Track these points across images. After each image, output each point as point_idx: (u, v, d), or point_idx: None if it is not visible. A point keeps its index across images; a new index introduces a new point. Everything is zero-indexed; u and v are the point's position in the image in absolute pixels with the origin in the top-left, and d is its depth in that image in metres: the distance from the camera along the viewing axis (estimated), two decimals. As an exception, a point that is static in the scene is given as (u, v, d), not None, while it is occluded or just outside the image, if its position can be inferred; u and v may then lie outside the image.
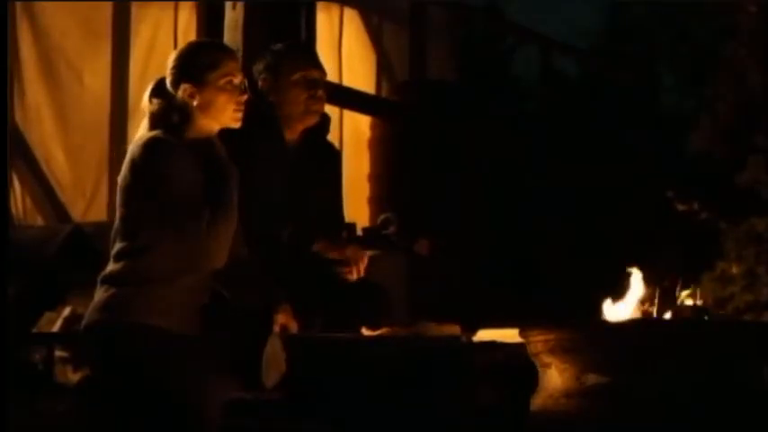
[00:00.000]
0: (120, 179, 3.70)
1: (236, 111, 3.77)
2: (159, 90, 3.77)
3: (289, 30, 6.05)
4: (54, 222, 6.27)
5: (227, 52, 3.85)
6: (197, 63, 3.75)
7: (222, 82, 3.74)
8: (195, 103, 3.72)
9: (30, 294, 5.40)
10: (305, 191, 4.51)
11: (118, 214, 3.70)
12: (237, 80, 3.78)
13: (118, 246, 3.68)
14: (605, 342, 3.83)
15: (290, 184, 4.47)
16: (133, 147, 3.69)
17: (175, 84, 3.74)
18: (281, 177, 4.43)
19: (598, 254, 7.67)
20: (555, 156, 8.70)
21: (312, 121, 4.52)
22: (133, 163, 3.65)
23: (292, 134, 4.53)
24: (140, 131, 3.77)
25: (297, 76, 4.49)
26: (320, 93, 4.51)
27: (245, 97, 3.79)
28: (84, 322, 3.69)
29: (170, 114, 3.73)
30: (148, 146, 3.64)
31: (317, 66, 4.58)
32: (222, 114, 3.75)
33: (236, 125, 3.80)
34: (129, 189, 3.65)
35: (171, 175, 3.60)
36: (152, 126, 3.74)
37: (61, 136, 6.47)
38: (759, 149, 8.77)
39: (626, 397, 3.74)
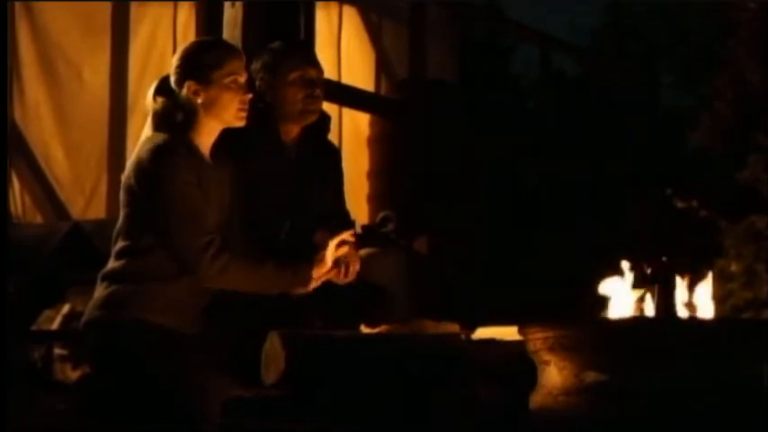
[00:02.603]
0: (124, 178, 3.69)
1: (240, 110, 3.77)
2: (163, 88, 3.77)
3: (288, 28, 6.04)
4: (53, 220, 6.26)
5: (233, 51, 3.85)
6: (202, 61, 3.75)
7: (227, 81, 3.74)
8: (199, 101, 3.72)
9: (29, 292, 5.40)
10: (305, 190, 4.50)
11: (122, 213, 3.70)
12: (242, 79, 3.78)
13: (120, 244, 3.68)
14: (604, 340, 3.83)
15: (289, 183, 4.46)
16: (141, 149, 3.68)
17: (180, 82, 3.74)
18: (280, 177, 4.42)
19: (597, 252, 7.66)
20: (554, 154, 8.70)
21: (309, 120, 4.50)
22: (140, 166, 3.64)
23: (290, 133, 4.51)
24: (145, 131, 3.77)
25: (294, 75, 4.47)
26: (317, 92, 4.49)
27: (249, 96, 3.79)
28: (83, 319, 3.69)
29: (174, 113, 3.72)
30: (158, 153, 3.63)
31: (315, 65, 4.56)
32: (226, 113, 3.75)
33: (241, 124, 3.81)
34: (134, 191, 3.65)
35: (178, 183, 3.60)
36: (156, 125, 3.74)
37: (60, 134, 6.46)
38: (759, 148, 8.79)
39: (625, 395, 3.74)
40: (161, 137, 3.67)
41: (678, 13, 17.36)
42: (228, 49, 3.87)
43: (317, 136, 4.58)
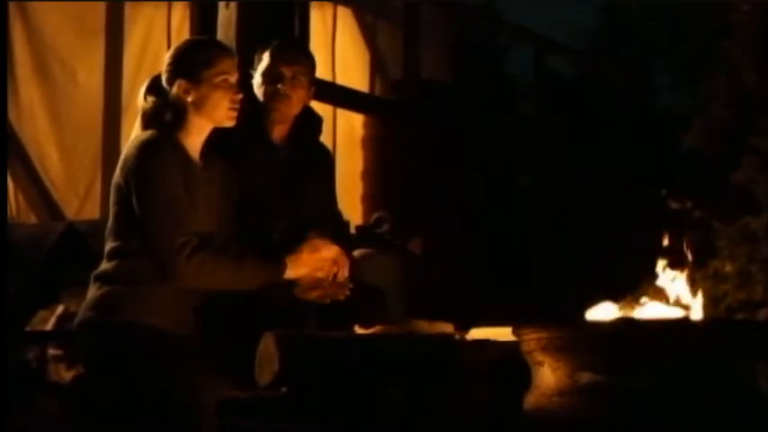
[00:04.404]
0: (114, 178, 3.70)
1: (230, 109, 3.77)
2: (154, 87, 3.77)
3: (282, 28, 6.04)
4: (47, 221, 6.27)
5: (225, 50, 3.85)
6: (193, 60, 3.75)
7: (217, 80, 3.74)
8: (190, 99, 3.72)
9: (23, 293, 5.39)
10: (297, 191, 4.49)
11: (111, 213, 3.70)
12: (233, 79, 3.77)
13: (111, 244, 3.68)
14: (598, 341, 3.83)
15: (280, 184, 4.45)
16: (128, 147, 3.69)
17: (171, 80, 3.74)
18: (271, 177, 4.41)
19: (592, 252, 7.68)
20: (549, 155, 8.71)
21: (278, 118, 4.45)
22: (126, 164, 3.65)
23: (278, 132, 4.50)
24: (135, 131, 3.77)
25: (266, 69, 4.44)
26: (284, 89, 4.41)
27: (239, 96, 3.79)
28: (76, 320, 3.69)
29: (163, 112, 3.72)
30: (144, 150, 3.63)
31: (291, 62, 4.47)
32: (216, 112, 3.75)
33: (231, 124, 3.80)
34: (122, 189, 3.65)
35: (162, 182, 3.60)
36: (145, 125, 3.74)
37: (55, 135, 6.47)
38: (753, 149, 8.79)
39: (619, 396, 3.74)
40: (148, 134, 3.68)
41: (676, 15, 17.37)
42: (220, 48, 3.87)
43: (308, 137, 4.57)
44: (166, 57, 3.82)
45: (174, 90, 3.74)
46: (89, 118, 6.62)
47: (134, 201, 3.60)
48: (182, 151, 3.70)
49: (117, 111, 6.70)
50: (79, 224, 5.82)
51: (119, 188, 3.66)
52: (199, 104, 3.73)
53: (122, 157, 3.69)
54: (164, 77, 3.77)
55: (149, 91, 3.78)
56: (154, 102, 3.75)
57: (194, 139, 3.76)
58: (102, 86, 6.70)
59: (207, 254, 3.64)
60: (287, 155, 4.49)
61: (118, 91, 6.72)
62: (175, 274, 3.59)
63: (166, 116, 3.72)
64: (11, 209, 6.21)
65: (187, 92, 3.72)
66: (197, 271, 3.61)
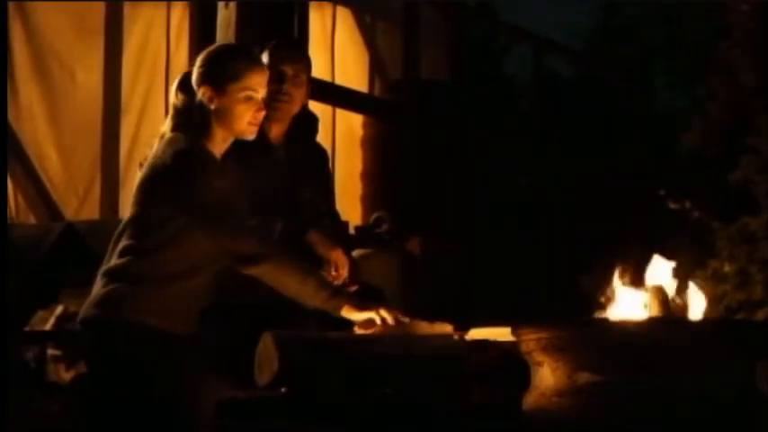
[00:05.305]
0: (140, 178, 3.67)
1: (251, 124, 3.74)
2: (185, 84, 3.75)
3: (281, 28, 6.04)
4: (47, 221, 6.26)
5: (255, 65, 3.78)
6: (221, 69, 3.71)
7: (241, 95, 3.70)
8: (212, 107, 3.70)
9: (22, 293, 5.39)
10: (295, 191, 4.49)
11: (132, 212, 3.66)
12: (259, 95, 3.73)
13: (125, 242, 3.65)
14: (597, 341, 3.83)
15: (278, 184, 4.45)
16: (162, 151, 3.65)
17: (198, 83, 3.72)
18: (268, 177, 4.41)
19: (590, 252, 7.67)
20: (547, 155, 8.71)
21: (279, 116, 4.46)
22: (165, 172, 3.61)
23: (276, 132, 4.50)
24: (164, 126, 3.74)
25: (268, 68, 4.45)
26: (286, 88, 4.43)
27: (263, 113, 3.75)
28: (80, 316, 3.68)
29: (191, 113, 3.70)
30: (179, 155, 3.60)
31: (292, 61, 4.49)
32: (236, 125, 3.72)
33: (251, 137, 3.77)
34: (149, 191, 3.63)
35: (207, 179, 3.59)
36: (174, 123, 3.71)
37: (54, 135, 6.47)
38: (751, 149, 8.80)
39: (618, 396, 3.74)
40: (180, 141, 3.64)
41: (675, 15, 17.40)
42: (251, 62, 3.80)
43: (305, 136, 4.57)
44: (199, 57, 3.78)
45: (200, 95, 3.72)
46: (88, 118, 6.61)
47: (173, 202, 3.58)
48: (212, 156, 3.69)
49: (116, 111, 6.70)
50: (78, 224, 5.81)
51: (148, 190, 3.63)
52: (220, 114, 3.70)
53: (155, 160, 3.63)
54: (193, 78, 3.75)
55: (180, 87, 3.76)
56: (183, 100, 3.73)
57: (218, 146, 3.74)
58: (101, 87, 6.69)
59: (280, 247, 3.70)
60: (284, 154, 4.50)
61: (117, 91, 6.72)
62: (251, 252, 3.62)
63: (194, 119, 3.70)
64: (10, 209, 6.21)
65: (211, 99, 3.70)
66: (267, 256, 3.64)
